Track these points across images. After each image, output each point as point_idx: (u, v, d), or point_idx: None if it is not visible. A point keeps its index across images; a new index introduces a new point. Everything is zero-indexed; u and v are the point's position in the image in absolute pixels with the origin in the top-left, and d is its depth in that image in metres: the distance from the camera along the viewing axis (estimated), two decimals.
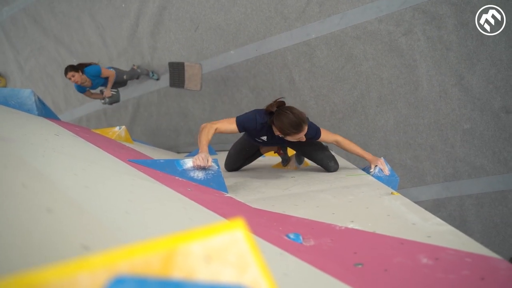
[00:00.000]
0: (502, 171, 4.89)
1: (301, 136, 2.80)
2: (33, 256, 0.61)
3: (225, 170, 3.61)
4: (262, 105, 5.49)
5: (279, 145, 3.42)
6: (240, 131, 2.93)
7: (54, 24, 6.93)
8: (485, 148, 4.84)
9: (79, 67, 4.74)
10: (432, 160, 5.06)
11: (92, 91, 5.19)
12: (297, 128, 2.72)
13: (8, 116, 2.30)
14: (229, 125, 2.86)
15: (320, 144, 3.36)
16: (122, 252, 0.42)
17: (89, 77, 4.79)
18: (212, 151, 2.79)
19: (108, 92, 5.06)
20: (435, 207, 5.19)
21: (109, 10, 6.27)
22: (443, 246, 1.42)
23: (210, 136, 2.71)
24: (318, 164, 3.34)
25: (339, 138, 3.17)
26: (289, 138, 2.82)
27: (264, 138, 3.06)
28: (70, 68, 4.68)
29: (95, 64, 4.90)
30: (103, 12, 6.34)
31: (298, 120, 2.71)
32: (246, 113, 2.98)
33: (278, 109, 2.82)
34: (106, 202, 1.09)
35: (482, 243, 4.55)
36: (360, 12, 4.84)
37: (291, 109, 2.77)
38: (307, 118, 2.93)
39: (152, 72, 6.04)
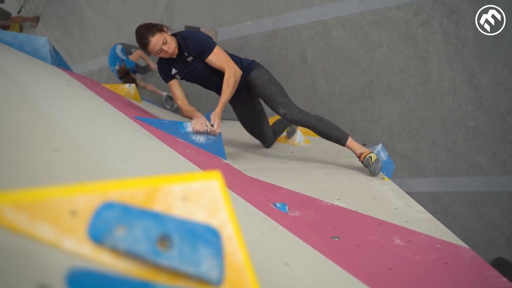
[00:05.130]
0: (500, 173, 4.94)
1: (156, 48, 2.60)
2: (38, 185, 0.71)
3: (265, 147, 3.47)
4: None
5: (200, 76, 2.89)
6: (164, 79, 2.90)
7: None
8: (486, 147, 4.88)
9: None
10: (432, 153, 5.11)
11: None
12: (141, 40, 2.60)
13: (23, 62, 2.38)
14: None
15: (269, 79, 2.88)
16: (114, 184, 0.51)
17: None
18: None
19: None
20: (430, 200, 5.26)
21: None
22: (418, 231, 1.51)
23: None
24: (267, 102, 2.87)
25: (231, 72, 2.69)
26: (152, 52, 2.65)
27: (174, 70, 2.83)
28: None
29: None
30: None
31: (141, 30, 2.61)
32: None
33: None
34: (107, 150, 1.18)
35: (470, 240, 4.59)
36: None
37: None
38: (199, 30, 2.84)
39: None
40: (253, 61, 2.96)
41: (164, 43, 2.58)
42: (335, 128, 2.67)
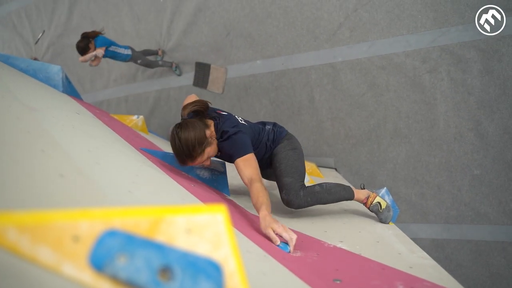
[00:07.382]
0: (506, 222, 4.87)
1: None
2: (42, 208, 0.70)
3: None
4: (279, 118, 5.59)
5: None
6: None
7: (93, 7, 7.15)
8: (492, 196, 4.83)
9: (88, 41, 4.83)
10: (437, 199, 5.06)
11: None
12: (180, 156, 2.19)
13: (36, 88, 2.42)
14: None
15: (293, 158, 2.51)
16: (118, 211, 0.50)
17: (96, 47, 4.90)
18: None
19: (85, 58, 4.86)
20: (433, 247, 5.17)
21: (147, 3, 6.46)
22: (421, 278, 1.47)
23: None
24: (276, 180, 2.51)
25: (256, 183, 2.10)
26: None
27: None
28: (85, 50, 4.81)
29: (103, 35, 4.99)
30: (141, 4, 6.53)
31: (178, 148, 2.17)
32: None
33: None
34: (112, 179, 1.18)
35: None
36: (389, 44, 4.91)
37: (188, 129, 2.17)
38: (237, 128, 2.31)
39: (176, 67, 6.16)
40: (287, 133, 2.67)
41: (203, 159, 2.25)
42: (340, 189, 2.42)
